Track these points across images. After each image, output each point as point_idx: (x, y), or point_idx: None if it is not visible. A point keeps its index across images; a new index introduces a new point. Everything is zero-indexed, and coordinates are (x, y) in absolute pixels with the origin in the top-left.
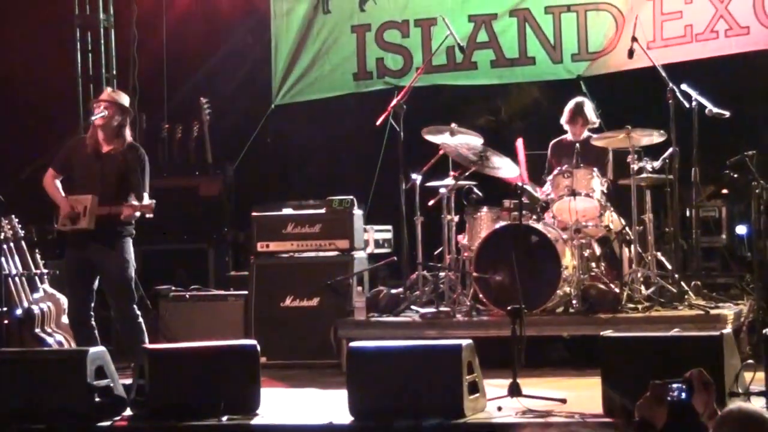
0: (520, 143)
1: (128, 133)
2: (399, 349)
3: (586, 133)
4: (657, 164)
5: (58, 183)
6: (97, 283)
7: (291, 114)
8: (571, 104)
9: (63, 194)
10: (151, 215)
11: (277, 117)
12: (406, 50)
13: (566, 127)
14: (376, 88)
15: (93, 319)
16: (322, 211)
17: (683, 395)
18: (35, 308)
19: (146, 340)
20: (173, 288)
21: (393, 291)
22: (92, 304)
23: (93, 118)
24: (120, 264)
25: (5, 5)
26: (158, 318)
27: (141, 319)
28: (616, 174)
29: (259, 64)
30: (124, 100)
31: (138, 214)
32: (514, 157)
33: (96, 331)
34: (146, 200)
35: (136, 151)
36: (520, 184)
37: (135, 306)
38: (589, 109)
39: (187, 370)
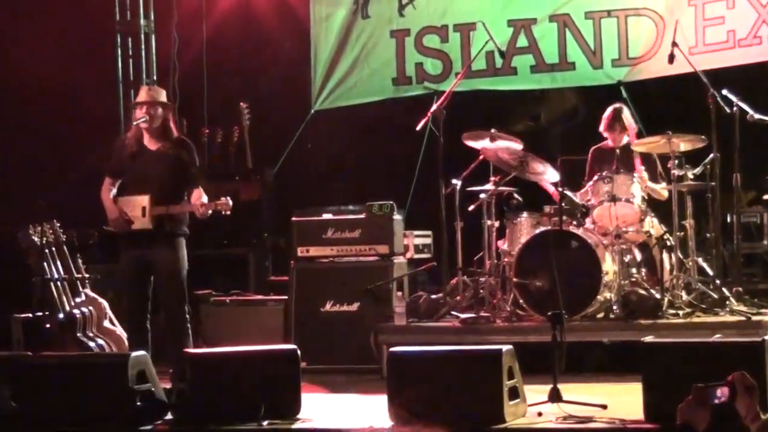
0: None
1: (174, 128)
2: (439, 354)
3: (625, 139)
4: (698, 170)
5: (114, 190)
6: (152, 284)
7: (330, 119)
8: (608, 111)
9: (112, 201)
10: (228, 212)
11: (317, 122)
12: (445, 55)
13: (605, 134)
14: (415, 93)
15: (149, 321)
16: (362, 216)
17: (726, 398)
18: (77, 312)
19: (190, 344)
20: (213, 293)
21: (433, 296)
22: (149, 306)
23: (135, 122)
24: (174, 264)
25: (46, 11)
26: (199, 323)
27: (189, 324)
28: (655, 179)
29: (298, 69)
30: (162, 95)
31: (210, 212)
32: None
33: (150, 334)
34: (222, 198)
35: (186, 145)
36: (560, 189)
37: (186, 308)
38: (627, 114)
39: (228, 375)
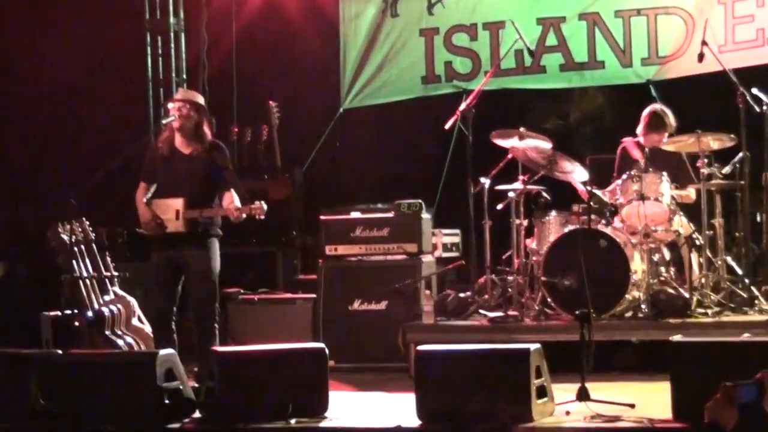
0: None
1: (208, 132)
2: (467, 353)
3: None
4: (727, 169)
5: (148, 194)
6: (181, 284)
7: (360, 117)
8: (649, 112)
9: (145, 205)
10: (263, 217)
11: (346, 121)
12: (474, 53)
13: (642, 138)
14: (444, 92)
15: (174, 321)
16: (391, 214)
17: (754, 397)
18: (105, 310)
19: (217, 343)
20: (242, 291)
21: (461, 295)
22: (175, 306)
23: (167, 120)
24: (207, 264)
25: (76, 10)
26: (227, 321)
27: (217, 324)
28: (684, 179)
29: (327, 68)
30: (199, 98)
31: (244, 215)
32: (583, 163)
33: (175, 334)
34: (256, 203)
35: (220, 149)
36: (589, 188)
37: (216, 308)
38: (671, 116)
39: (256, 373)
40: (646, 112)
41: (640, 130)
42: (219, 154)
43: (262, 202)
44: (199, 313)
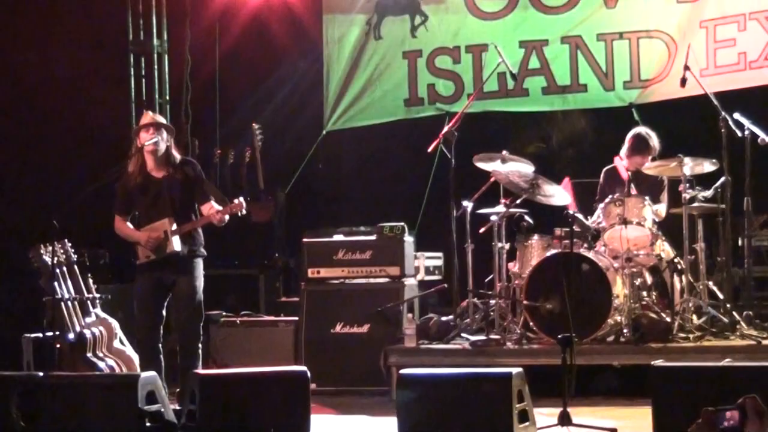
0: (566, 182)
1: (175, 152)
2: (449, 376)
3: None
4: (709, 193)
5: (128, 223)
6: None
7: (342, 140)
8: (633, 135)
9: (135, 229)
10: (244, 212)
11: (329, 143)
12: (457, 76)
13: (626, 160)
14: (427, 114)
15: (161, 342)
16: (373, 237)
17: (736, 422)
18: (87, 332)
19: (199, 366)
20: (224, 313)
21: (443, 318)
22: (161, 327)
23: (147, 143)
24: (192, 285)
25: (60, 31)
26: (209, 343)
27: (200, 345)
28: (668, 203)
29: (311, 90)
30: (163, 120)
31: (227, 217)
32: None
33: (162, 355)
34: (235, 201)
35: (191, 163)
36: (571, 212)
37: (200, 329)
38: (655, 139)
39: (238, 396)
40: (630, 134)
41: (624, 152)
42: (191, 169)
43: (241, 199)
44: (183, 334)
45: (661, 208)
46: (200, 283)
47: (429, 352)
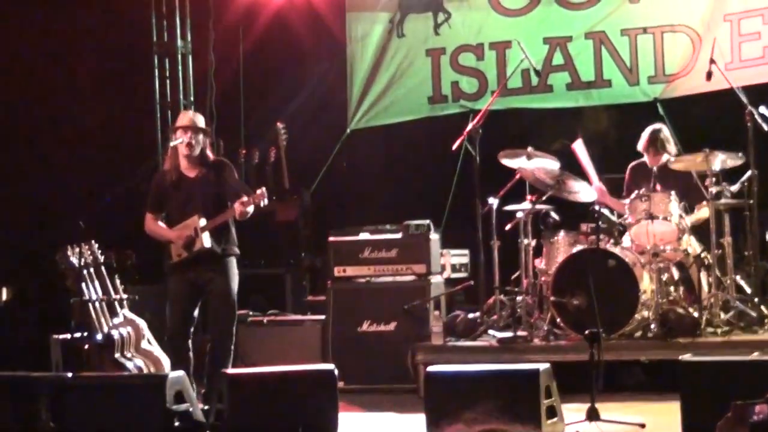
0: (578, 144)
1: (210, 153)
2: (477, 373)
3: (665, 157)
4: (735, 187)
5: (160, 222)
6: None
7: (367, 138)
8: (646, 133)
9: (167, 228)
10: (266, 202)
11: (353, 141)
12: (481, 73)
13: (645, 157)
14: (451, 112)
15: (191, 341)
16: (399, 235)
17: (765, 416)
18: (115, 333)
19: (230, 366)
20: (251, 313)
21: (470, 315)
22: (192, 327)
23: (175, 142)
24: (227, 285)
25: (84, 32)
26: (236, 343)
27: (233, 346)
28: (695, 198)
29: (334, 89)
30: (202, 122)
31: (251, 208)
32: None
33: (191, 353)
34: (257, 191)
35: (224, 164)
36: (597, 208)
37: (234, 329)
38: (666, 135)
39: (266, 395)
40: (645, 132)
41: (639, 147)
42: (224, 170)
43: (263, 189)
44: (217, 335)
45: (704, 212)
46: (235, 283)
47: (456, 349)
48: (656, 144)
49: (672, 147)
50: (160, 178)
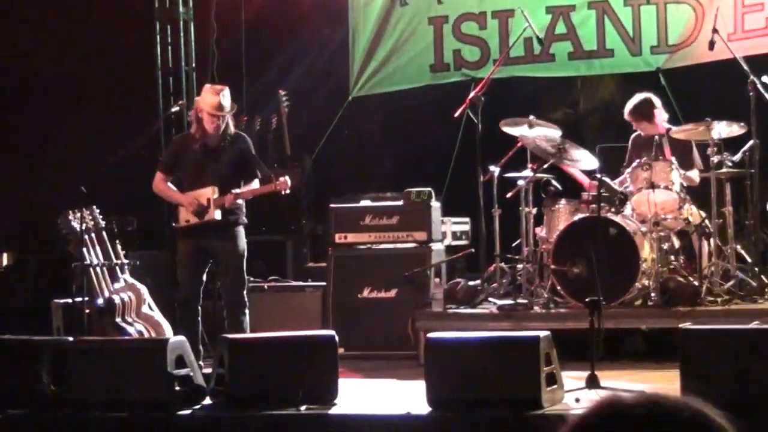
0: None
1: (232, 125)
2: (477, 340)
3: (666, 125)
4: (737, 157)
5: (170, 183)
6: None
7: (368, 106)
8: (629, 105)
9: (179, 191)
10: (288, 191)
11: (355, 109)
12: (483, 42)
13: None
14: (453, 80)
15: (200, 304)
16: (400, 202)
17: None
18: (116, 298)
19: (248, 330)
20: (252, 279)
21: (470, 283)
22: (201, 289)
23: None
24: (236, 252)
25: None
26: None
27: (247, 310)
28: (688, 163)
29: (336, 56)
30: (229, 100)
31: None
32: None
33: (200, 317)
34: (280, 179)
35: (244, 139)
36: (598, 176)
37: (246, 294)
38: (657, 103)
39: (266, 360)
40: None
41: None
42: (244, 144)
43: (287, 177)
44: (231, 302)
45: (694, 174)
46: (244, 251)
47: (456, 316)
48: (635, 114)
49: (660, 114)
50: (181, 140)
